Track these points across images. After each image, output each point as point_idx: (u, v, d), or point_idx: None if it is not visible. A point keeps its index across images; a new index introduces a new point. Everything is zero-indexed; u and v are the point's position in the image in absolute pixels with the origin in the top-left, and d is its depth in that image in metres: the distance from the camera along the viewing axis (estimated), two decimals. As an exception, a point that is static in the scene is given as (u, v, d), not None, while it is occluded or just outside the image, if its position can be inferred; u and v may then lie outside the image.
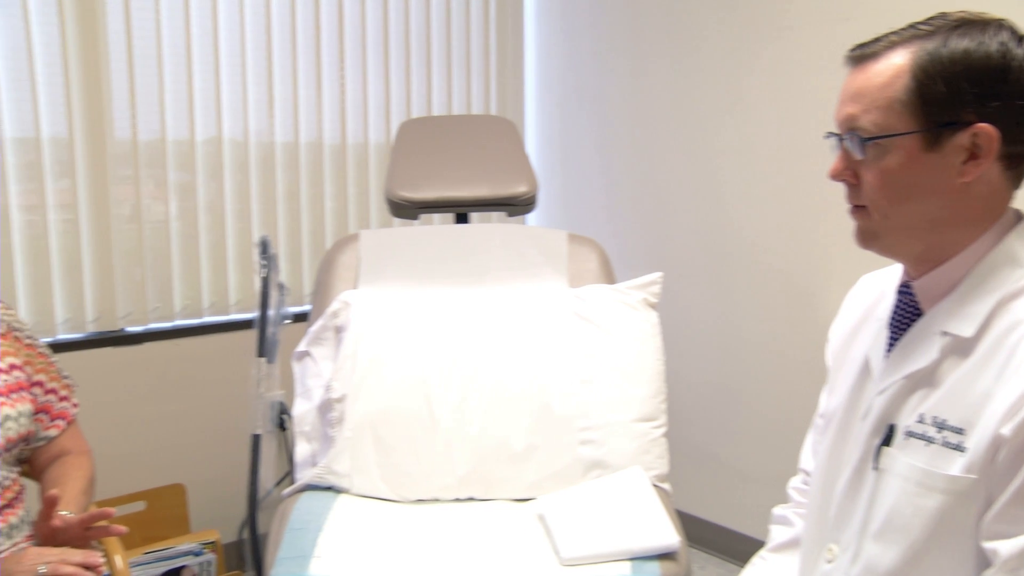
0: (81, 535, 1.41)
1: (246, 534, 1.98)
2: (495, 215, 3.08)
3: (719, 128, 2.84)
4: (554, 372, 1.97)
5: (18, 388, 1.53)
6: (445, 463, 1.89)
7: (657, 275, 2.15)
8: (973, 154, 0.94)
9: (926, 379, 1.00)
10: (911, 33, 0.97)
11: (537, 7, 3.49)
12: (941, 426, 0.95)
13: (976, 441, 0.91)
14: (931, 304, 1.03)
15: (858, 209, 1.04)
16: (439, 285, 2.17)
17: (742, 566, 1.38)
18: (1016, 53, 0.93)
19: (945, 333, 0.99)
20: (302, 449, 1.99)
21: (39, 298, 2.49)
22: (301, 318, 2.50)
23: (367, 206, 3.14)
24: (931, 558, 0.95)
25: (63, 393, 1.66)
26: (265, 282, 2.05)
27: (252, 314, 2.61)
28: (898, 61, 0.96)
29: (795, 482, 1.36)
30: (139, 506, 2.60)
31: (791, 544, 1.30)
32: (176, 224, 2.72)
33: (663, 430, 1.98)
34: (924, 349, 1.01)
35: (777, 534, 1.34)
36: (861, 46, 1.01)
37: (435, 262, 2.21)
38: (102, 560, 1.35)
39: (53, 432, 1.63)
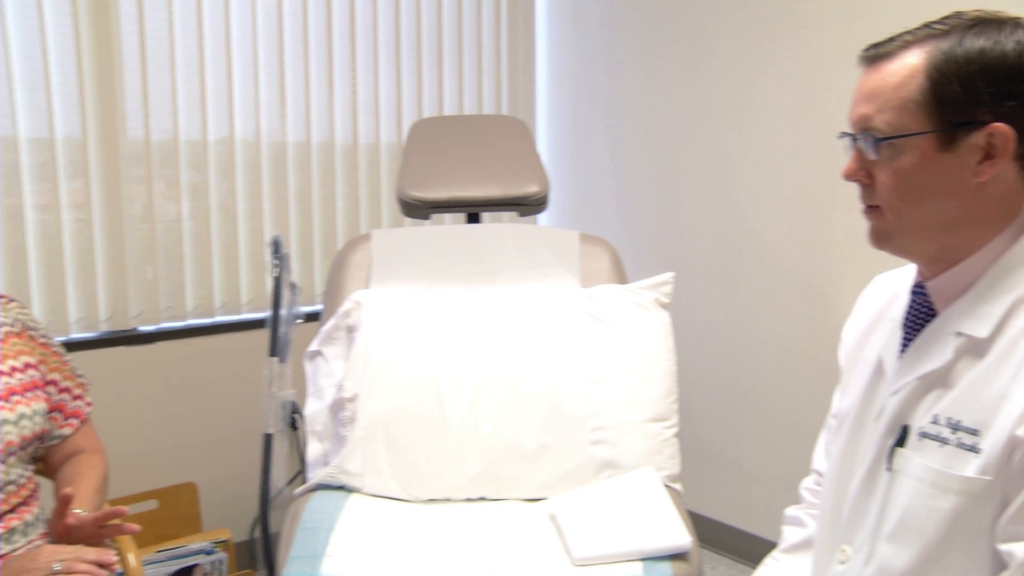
0: (95, 533, 1.42)
1: (258, 533, 1.98)
2: (506, 215, 3.08)
3: (731, 128, 2.83)
4: (566, 372, 1.97)
5: (33, 387, 1.54)
6: (457, 463, 1.89)
7: (669, 275, 2.15)
8: (988, 154, 0.94)
9: (940, 380, 0.99)
10: (926, 32, 0.97)
11: (548, 6, 3.49)
12: (956, 427, 0.95)
13: (991, 442, 0.90)
14: (945, 304, 1.02)
15: (872, 209, 1.04)
16: (451, 285, 2.17)
17: (754, 567, 1.37)
18: None
19: (960, 334, 0.98)
20: (314, 448, 2.00)
21: (53, 297, 2.51)
22: (313, 318, 2.50)
23: (379, 206, 3.14)
24: (945, 560, 0.94)
25: (77, 392, 1.67)
26: (277, 281, 2.06)
27: (264, 313, 2.62)
28: (913, 61, 0.96)
29: (807, 483, 1.36)
30: (151, 505, 2.61)
31: (804, 545, 1.30)
32: (188, 224, 2.73)
33: (675, 430, 1.98)
34: (938, 350, 1.00)
35: (789, 535, 1.34)
36: (875, 46, 1.01)
37: (447, 262, 2.21)
38: (116, 558, 1.36)
39: (67, 430, 1.64)
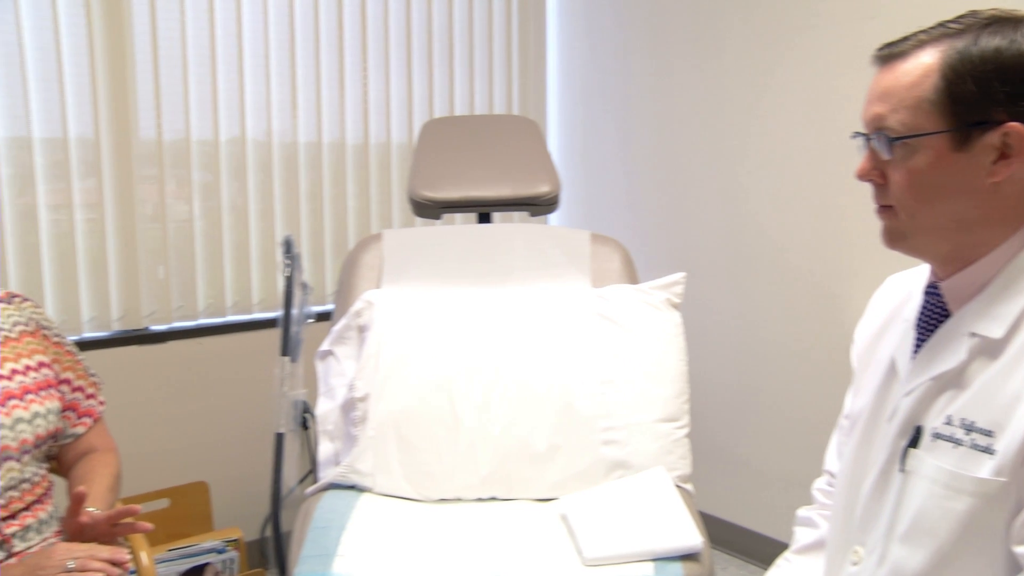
0: (108, 531, 1.43)
1: (269, 532, 1.99)
2: (517, 215, 3.08)
3: (742, 128, 2.83)
4: (577, 372, 1.97)
5: (47, 385, 1.55)
6: (468, 463, 1.89)
7: (680, 275, 2.15)
8: (1003, 153, 0.93)
9: (954, 380, 0.99)
10: (940, 32, 0.96)
11: (559, 6, 3.49)
12: (970, 428, 0.94)
13: (1006, 444, 0.90)
14: (959, 305, 1.02)
15: (885, 209, 1.03)
16: (462, 285, 2.17)
17: (765, 568, 1.37)
18: None
19: (974, 334, 0.98)
20: (325, 448, 2.00)
21: (65, 296, 2.52)
22: (324, 317, 2.51)
23: (389, 206, 3.15)
24: (959, 562, 0.94)
25: (90, 391, 1.68)
26: (289, 281, 2.06)
27: (274, 313, 2.63)
28: (927, 60, 0.95)
29: (819, 483, 1.35)
30: (163, 503, 2.62)
31: (816, 546, 1.29)
32: (200, 223, 2.74)
33: (686, 431, 1.98)
34: (952, 350, 1.00)
35: (801, 536, 1.33)
36: (889, 45, 1.00)
37: (458, 262, 2.21)
38: (129, 557, 1.36)
39: (80, 429, 1.65)
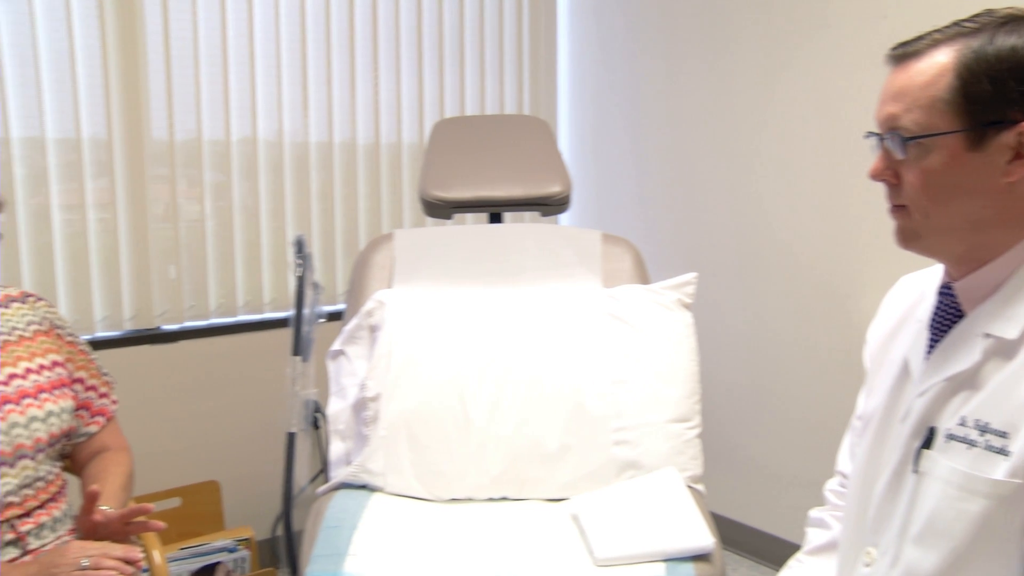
0: (121, 530, 1.44)
1: (280, 531, 1.99)
2: (528, 215, 3.08)
3: (754, 128, 2.82)
4: (588, 372, 1.97)
5: (60, 384, 1.56)
6: (479, 462, 1.89)
7: (691, 275, 2.14)
8: (1018, 153, 0.93)
9: (968, 381, 0.98)
10: (955, 31, 0.96)
11: (570, 6, 3.49)
12: (984, 429, 0.94)
13: (1021, 445, 0.89)
14: (973, 306, 1.02)
15: (898, 209, 1.03)
16: (473, 285, 2.17)
17: (777, 569, 1.37)
18: None
19: (988, 335, 0.97)
20: (336, 448, 2.00)
21: (78, 296, 2.53)
22: (335, 317, 2.51)
23: (400, 206, 3.15)
24: (974, 564, 0.93)
25: (103, 390, 1.69)
26: (300, 281, 2.06)
27: (286, 313, 2.64)
28: (941, 59, 0.95)
29: (832, 484, 1.35)
30: (174, 502, 2.63)
31: (828, 547, 1.29)
32: (211, 223, 2.75)
33: (697, 431, 1.97)
34: (966, 351, 0.99)
35: (813, 537, 1.33)
36: (903, 44, 1.00)
37: (469, 262, 2.21)
38: (142, 555, 1.37)
39: (93, 428, 1.66)
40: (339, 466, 1.98)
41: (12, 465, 1.43)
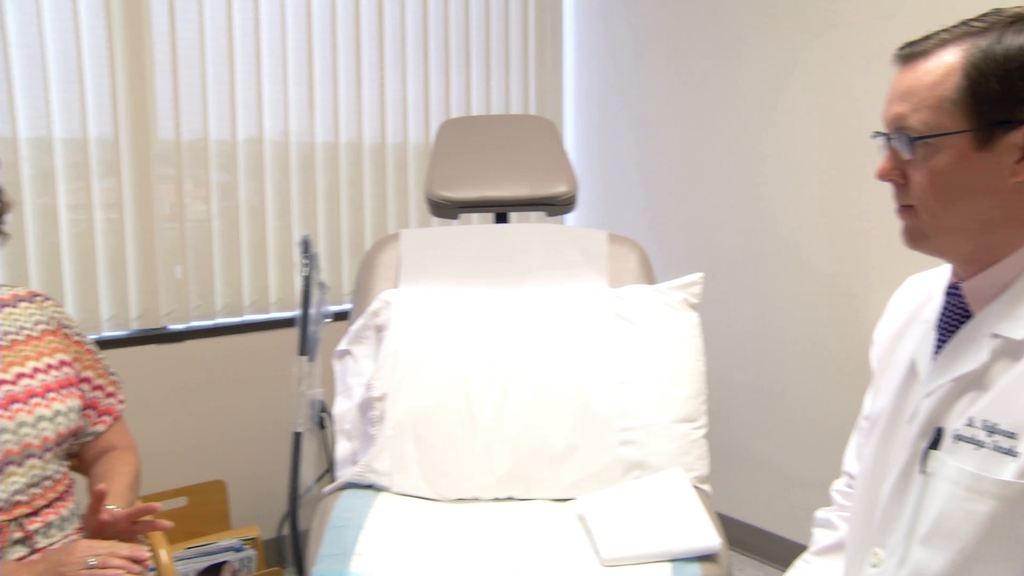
0: (128, 529, 1.44)
1: (286, 531, 1.99)
2: (534, 215, 3.08)
3: (761, 128, 2.82)
4: (594, 372, 1.97)
5: (67, 384, 1.56)
6: (485, 462, 1.89)
7: (698, 275, 2.14)
8: (1027, 153, 0.93)
9: (976, 382, 0.98)
10: (963, 30, 0.95)
11: (576, 5, 3.49)
12: (992, 430, 0.94)
13: (1030, 446, 0.89)
14: (981, 306, 1.01)
15: (906, 209, 1.03)
16: (479, 285, 2.17)
17: (783, 570, 1.37)
18: None
19: (996, 335, 0.97)
20: (342, 447, 2.01)
21: (85, 295, 2.54)
22: (341, 317, 2.52)
23: (406, 205, 3.15)
24: (981, 565, 0.93)
25: (110, 389, 1.69)
26: (307, 280, 2.07)
27: (292, 312, 2.64)
28: (949, 59, 0.95)
29: (838, 485, 1.35)
30: (180, 502, 2.63)
31: (835, 548, 1.29)
32: (217, 223, 2.76)
33: (704, 431, 1.97)
34: (974, 351, 0.99)
35: (820, 537, 1.33)
36: (911, 44, 0.99)
37: (475, 262, 2.21)
38: (149, 554, 1.37)
39: (100, 428, 1.66)
40: (345, 466, 1.98)
41: (20, 464, 1.43)
